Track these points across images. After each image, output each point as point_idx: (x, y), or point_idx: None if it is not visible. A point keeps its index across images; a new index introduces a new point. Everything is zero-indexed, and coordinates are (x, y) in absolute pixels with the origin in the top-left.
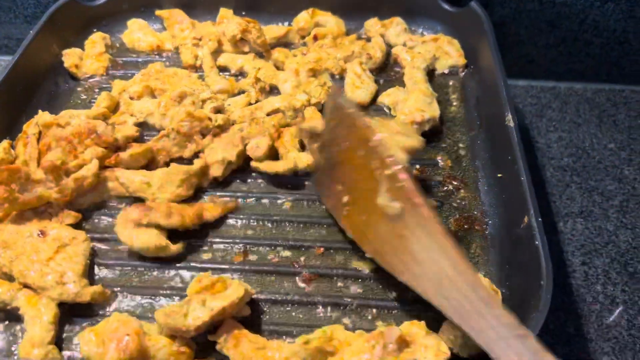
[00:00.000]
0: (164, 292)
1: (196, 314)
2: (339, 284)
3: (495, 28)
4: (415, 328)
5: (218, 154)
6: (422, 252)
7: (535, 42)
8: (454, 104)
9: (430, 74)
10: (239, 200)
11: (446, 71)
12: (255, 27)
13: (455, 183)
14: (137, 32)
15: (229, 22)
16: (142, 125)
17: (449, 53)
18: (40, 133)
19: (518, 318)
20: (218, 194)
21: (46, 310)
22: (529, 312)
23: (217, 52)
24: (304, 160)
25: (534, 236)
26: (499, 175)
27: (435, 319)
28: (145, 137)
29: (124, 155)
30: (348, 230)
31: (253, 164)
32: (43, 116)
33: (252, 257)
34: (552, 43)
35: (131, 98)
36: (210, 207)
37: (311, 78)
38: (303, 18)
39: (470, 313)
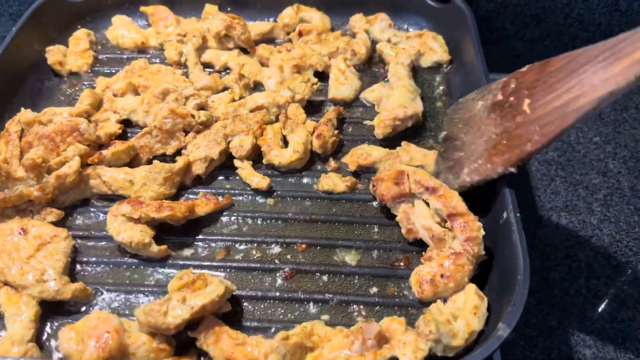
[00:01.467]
0: (145, 289)
1: (176, 312)
2: (320, 280)
3: (481, 23)
4: (394, 324)
5: (201, 152)
6: None
7: (521, 37)
8: (439, 99)
9: (415, 69)
10: (219, 197)
11: (431, 67)
12: (239, 23)
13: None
14: (121, 29)
15: (213, 19)
16: (125, 122)
17: (434, 49)
18: (22, 131)
19: (496, 312)
20: (202, 191)
21: (26, 308)
22: (507, 306)
23: (201, 49)
24: (287, 157)
25: (512, 231)
26: None
27: (414, 316)
28: (129, 134)
29: (106, 153)
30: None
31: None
32: (25, 114)
33: (235, 254)
34: (537, 37)
35: (115, 95)
36: (203, 202)
37: (295, 74)
38: (288, 14)
39: None
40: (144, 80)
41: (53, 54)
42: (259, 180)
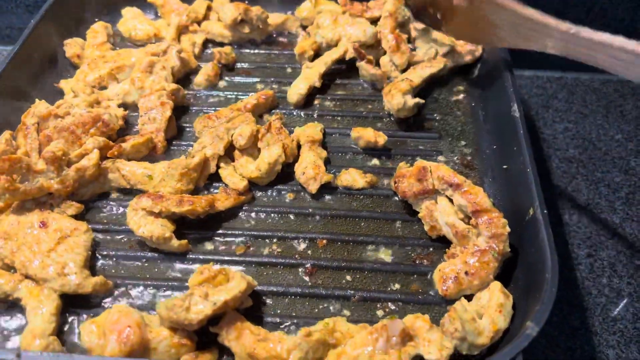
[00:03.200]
0: (165, 283)
1: (198, 307)
2: (342, 275)
3: None
4: (419, 321)
5: (207, 151)
6: (496, 19)
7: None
8: (460, 95)
9: None
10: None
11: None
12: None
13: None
14: (132, 21)
15: (223, 7)
16: (123, 106)
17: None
18: (39, 123)
19: (521, 310)
20: (222, 185)
21: (47, 301)
22: (534, 304)
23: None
24: (248, 171)
25: (539, 229)
26: (505, 166)
27: (437, 313)
28: (131, 116)
29: (126, 145)
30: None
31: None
32: (39, 106)
33: (255, 249)
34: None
35: (93, 87)
36: (223, 197)
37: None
38: (306, 7)
39: (532, 31)
40: (113, 62)
41: (71, 47)
42: (236, 182)
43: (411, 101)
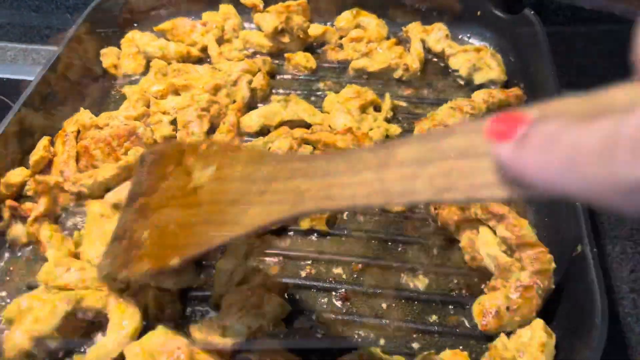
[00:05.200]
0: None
1: (232, 331)
2: (377, 302)
3: (548, 37)
4: (457, 359)
5: None
6: None
7: (590, 53)
8: None
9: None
10: None
11: (483, 84)
12: (299, 6)
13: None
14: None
15: (264, 16)
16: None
17: (491, 66)
18: (79, 131)
19: (563, 349)
20: None
21: (130, 322)
22: (580, 348)
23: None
24: None
25: (588, 269)
26: None
27: (475, 348)
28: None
29: None
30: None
31: None
32: (83, 116)
33: (288, 270)
34: (607, 54)
35: (154, 97)
36: None
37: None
38: (345, 18)
39: None
40: (183, 80)
41: (107, 57)
42: None
43: None
